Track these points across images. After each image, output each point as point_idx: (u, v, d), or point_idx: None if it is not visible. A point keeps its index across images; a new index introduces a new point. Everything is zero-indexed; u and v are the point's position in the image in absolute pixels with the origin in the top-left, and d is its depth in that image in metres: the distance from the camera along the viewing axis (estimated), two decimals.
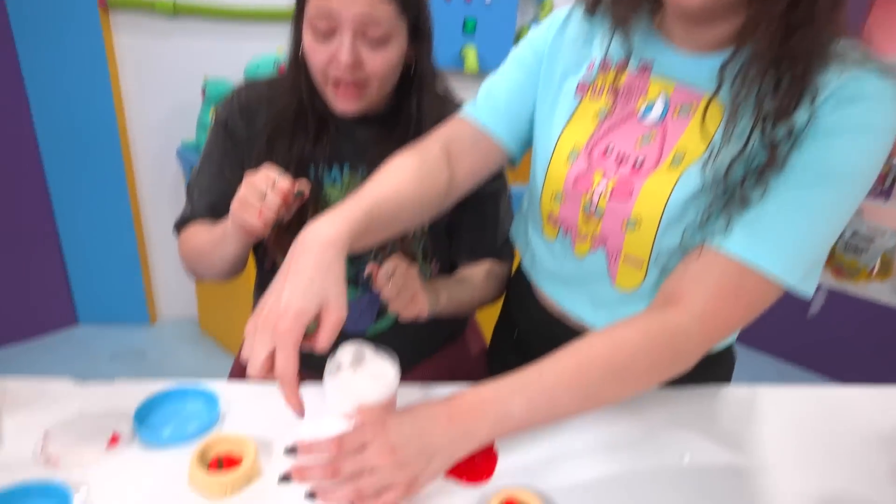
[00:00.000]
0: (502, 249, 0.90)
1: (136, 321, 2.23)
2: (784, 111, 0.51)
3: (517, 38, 2.15)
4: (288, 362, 0.48)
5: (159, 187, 2.14)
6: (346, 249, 0.52)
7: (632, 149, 0.61)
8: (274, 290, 0.51)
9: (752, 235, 0.54)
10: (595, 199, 0.63)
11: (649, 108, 0.61)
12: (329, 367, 0.64)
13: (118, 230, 2.09)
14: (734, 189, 0.55)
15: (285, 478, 0.57)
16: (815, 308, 2.14)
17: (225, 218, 0.70)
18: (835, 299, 2.12)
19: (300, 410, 0.51)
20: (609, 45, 0.64)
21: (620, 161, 0.62)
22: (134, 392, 0.68)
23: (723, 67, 0.54)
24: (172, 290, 2.29)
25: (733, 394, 0.79)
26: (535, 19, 2.15)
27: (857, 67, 0.51)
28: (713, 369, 0.75)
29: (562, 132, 0.66)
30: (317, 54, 0.70)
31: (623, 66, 0.63)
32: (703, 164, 0.56)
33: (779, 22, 0.48)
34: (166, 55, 1.96)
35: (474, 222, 0.86)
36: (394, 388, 0.63)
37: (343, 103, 0.73)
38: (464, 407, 0.56)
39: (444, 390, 0.73)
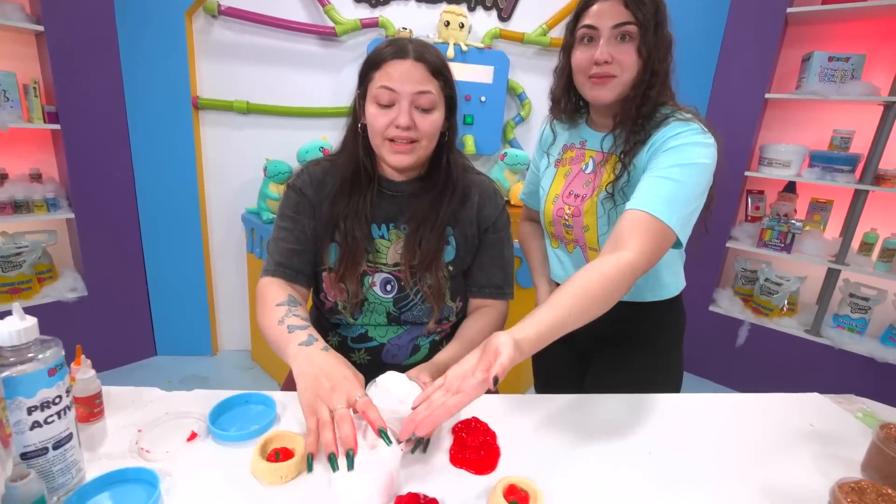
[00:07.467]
0: (504, 287, 0.87)
1: (202, 353, 2.21)
2: (632, 156, 0.77)
3: (504, 129, 2.25)
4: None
5: (226, 246, 2.18)
6: None
7: (580, 189, 0.85)
8: None
9: (643, 198, 0.70)
10: (566, 219, 0.87)
11: (587, 166, 0.86)
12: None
13: (193, 279, 2.11)
14: (617, 192, 0.78)
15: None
16: (741, 339, 2.18)
17: (296, 325, 0.69)
18: (756, 332, 2.15)
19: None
20: (567, 136, 0.92)
21: (575, 197, 0.86)
22: (208, 399, 0.69)
23: (615, 136, 0.80)
24: (231, 328, 2.28)
25: (684, 401, 0.79)
26: (518, 115, 2.26)
27: (675, 122, 0.75)
28: (672, 313, 0.91)
29: (549, 189, 0.90)
30: (380, 119, 0.72)
31: (573, 147, 0.90)
32: (607, 187, 0.79)
33: (635, 111, 0.76)
34: (238, 142, 2.06)
35: (482, 263, 0.86)
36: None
37: (398, 157, 0.74)
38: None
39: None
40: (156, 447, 0.60)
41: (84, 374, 0.60)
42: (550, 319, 0.60)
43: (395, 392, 0.61)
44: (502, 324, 0.87)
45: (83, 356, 0.61)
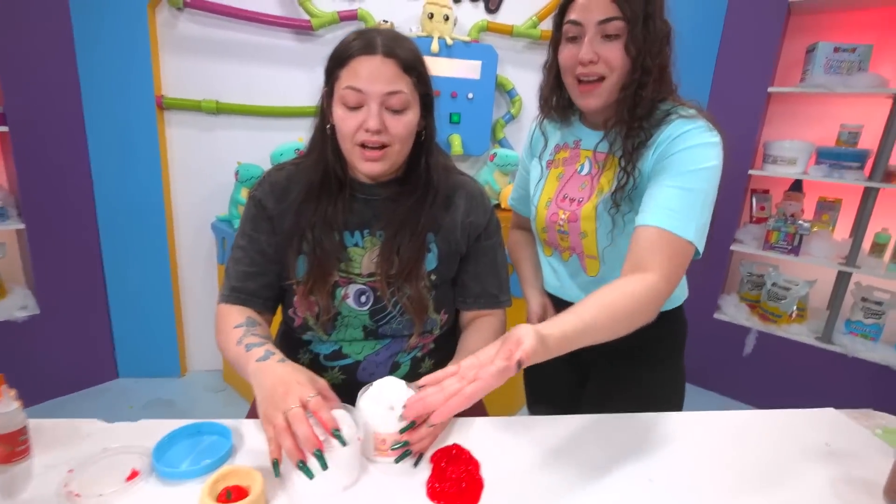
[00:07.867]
0: (500, 296, 0.86)
1: (169, 374, 2.16)
2: (635, 158, 0.75)
3: (493, 128, 2.24)
4: None
5: (195, 257, 2.13)
6: None
7: (576, 193, 0.83)
8: None
9: (657, 212, 0.69)
10: (561, 225, 0.84)
11: (582, 167, 0.84)
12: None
13: (159, 293, 2.05)
14: (622, 200, 0.76)
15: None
16: (748, 348, 2.16)
17: (255, 345, 0.69)
18: (763, 340, 2.13)
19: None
20: (559, 136, 0.89)
21: (571, 201, 0.84)
22: (156, 430, 0.65)
23: (611, 140, 0.78)
24: (201, 347, 2.22)
25: (687, 420, 0.76)
26: (508, 113, 2.25)
27: (678, 120, 0.73)
28: (674, 325, 0.89)
29: (541, 193, 0.89)
30: (348, 122, 0.70)
31: (566, 146, 0.87)
32: (610, 192, 0.78)
33: (627, 115, 0.74)
34: (207, 144, 2.02)
35: (476, 272, 0.84)
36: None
37: (369, 165, 0.72)
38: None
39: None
40: (88, 489, 0.56)
41: (5, 407, 0.56)
42: (574, 324, 0.59)
43: (387, 397, 0.61)
44: (504, 331, 0.85)
45: (5, 386, 0.56)
